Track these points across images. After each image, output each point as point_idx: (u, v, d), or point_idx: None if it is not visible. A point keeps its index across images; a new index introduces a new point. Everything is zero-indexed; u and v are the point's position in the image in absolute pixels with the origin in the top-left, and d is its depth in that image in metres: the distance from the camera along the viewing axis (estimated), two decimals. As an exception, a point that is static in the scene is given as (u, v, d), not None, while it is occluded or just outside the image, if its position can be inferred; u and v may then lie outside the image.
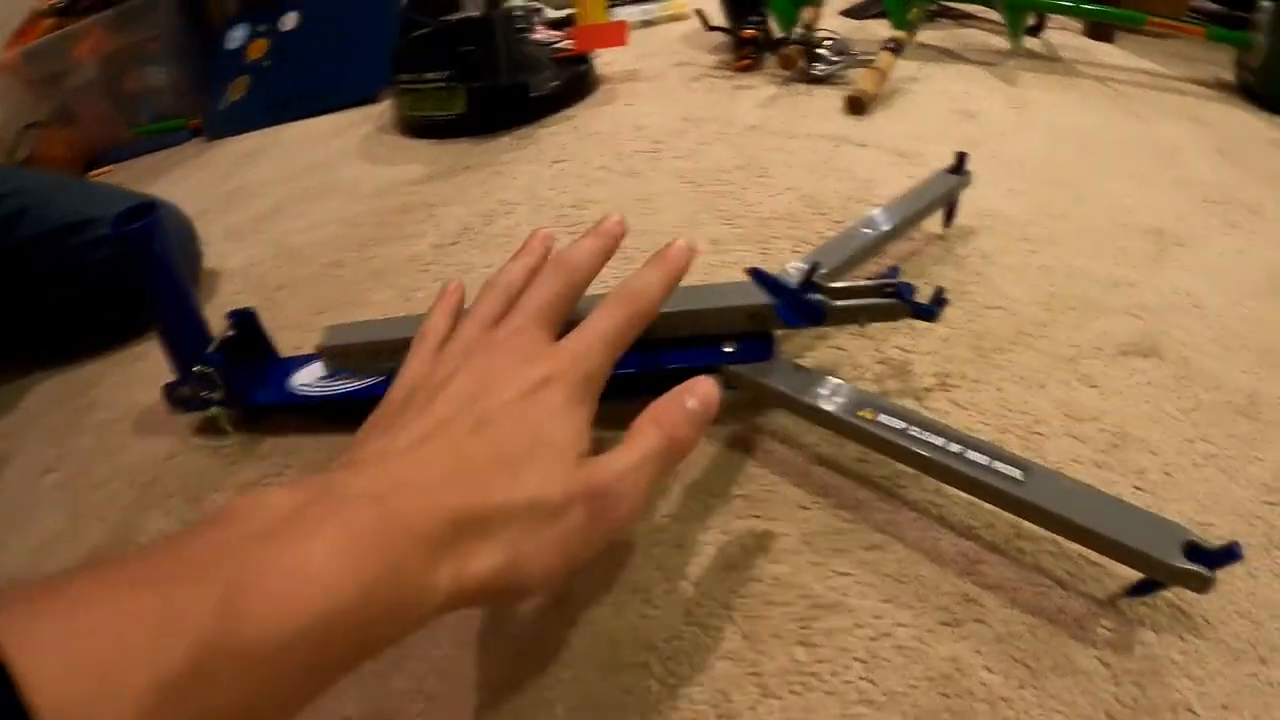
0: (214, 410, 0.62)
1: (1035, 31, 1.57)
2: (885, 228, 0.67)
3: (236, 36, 1.71)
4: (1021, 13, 1.41)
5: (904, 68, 1.25)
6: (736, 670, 0.41)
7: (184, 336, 0.61)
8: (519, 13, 1.22)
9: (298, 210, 1.05)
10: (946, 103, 1.13)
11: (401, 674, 0.43)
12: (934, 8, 1.62)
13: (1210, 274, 0.72)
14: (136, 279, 0.58)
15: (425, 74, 1.19)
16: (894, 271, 0.53)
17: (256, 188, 1.16)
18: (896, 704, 0.39)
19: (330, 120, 1.43)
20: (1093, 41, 1.59)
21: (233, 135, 1.50)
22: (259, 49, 1.66)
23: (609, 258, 0.47)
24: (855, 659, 0.41)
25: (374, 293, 0.81)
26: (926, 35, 1.49)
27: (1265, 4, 1.24)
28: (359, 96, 1.49)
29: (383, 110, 1.40)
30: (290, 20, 1.64)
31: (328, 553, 0.27)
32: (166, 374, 0.64)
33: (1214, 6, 1.88)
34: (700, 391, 0.39)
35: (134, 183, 1.32)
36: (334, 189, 1.09)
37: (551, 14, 1.76)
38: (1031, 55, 1.42)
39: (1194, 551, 0.39)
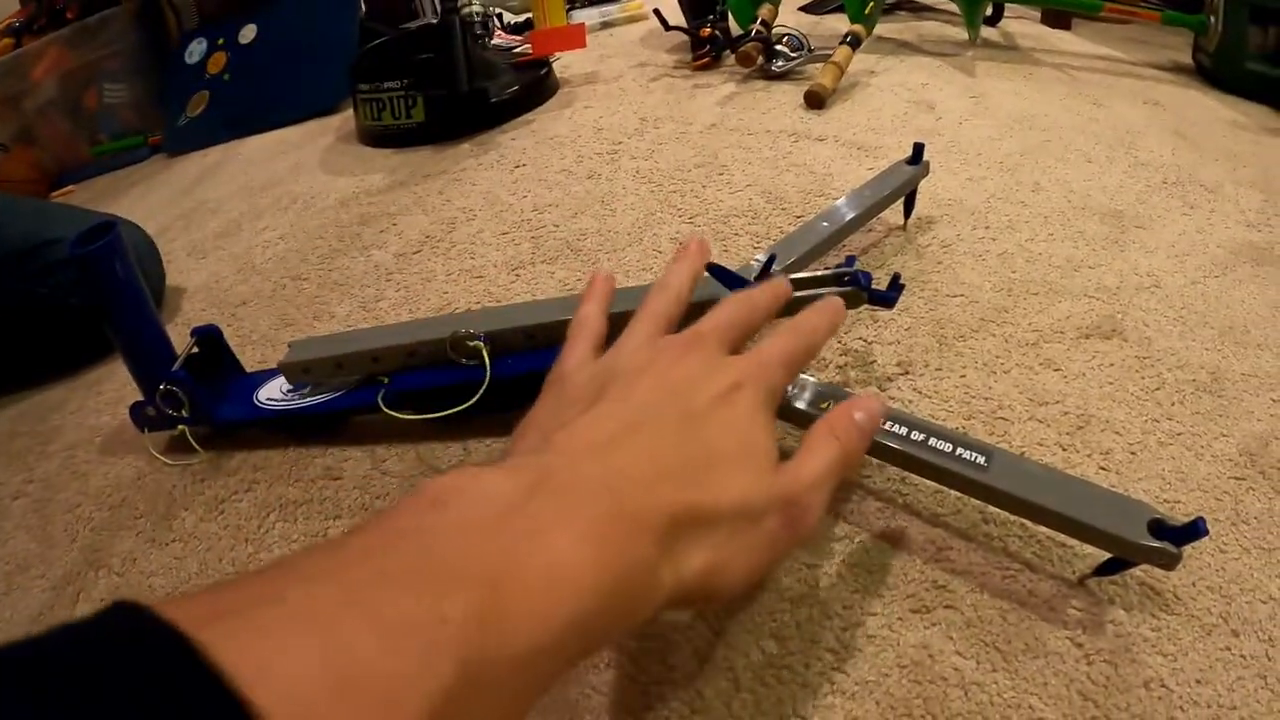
0: (180, 428, 0.61)
1: (993, 21, 1.58)
2: (844, 219, 0.67)
3: (195, 50, 1.69)
4: (978, 4, 1.42)
5: (862, 61, 1.26)
6: (708, 666, 0.41)
7: (148, 355, 0.60)
8: (477, 19, 1.22)
9: (259, 225, 1.03)
10: (904, 95, 1.14)
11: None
12: (891, 1, 1.63)
13: (1170, 254, 0.73)
14: (98, 299, 0.57)
15: (384, 83, 1.18)
16: (851, 260, 0.53)
17: (217, 204, 1.15)
18: (869, 693, 0.39)
19: (290, 132, 1.42)
20: (1050, 29, 1.61)
21: (193, 150, 1.48)
22: (218, 62, 1.64)
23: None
24: (826, 649, 0.41)
25: (337, 305, 0.80)
26: (885, 28, 1.50)
27: None
28: (319, 108, 1.48)
29: (343, 121, 1.39)
30: (249, 33, 1.62)
31: (574, 547, 0.26)
32: (130, 395, 0.63)
33: None
34: (867, 405, 0.38)
35: (95, 202, 1.30)
36: (295, 202, 1.08)
37: (510, 18, 1.76)
38: (989, 45, 1.43)
39: (1160, 529, 0.39)
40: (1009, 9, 1.57)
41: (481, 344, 0.54)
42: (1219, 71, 1.26)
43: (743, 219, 0.82)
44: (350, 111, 1.35)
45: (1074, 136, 0.99)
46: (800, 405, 0.48)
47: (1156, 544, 0.39)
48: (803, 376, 0.50)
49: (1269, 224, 0.79)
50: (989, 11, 1.54)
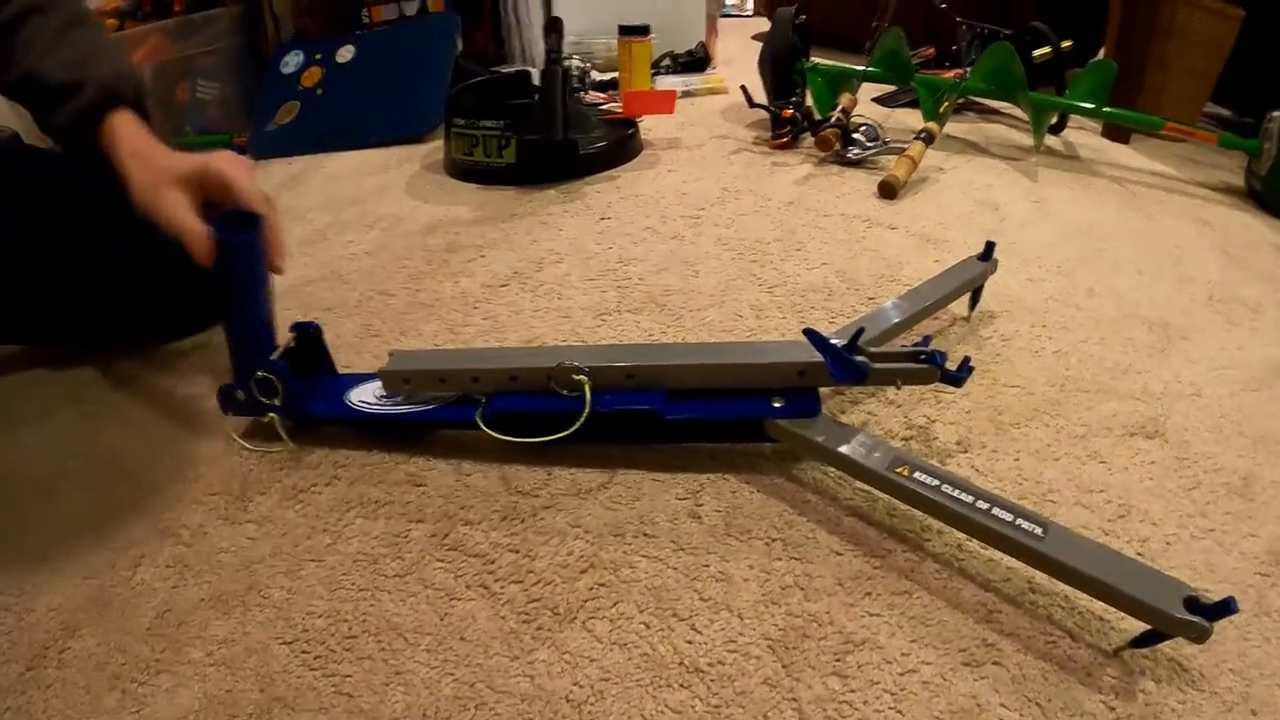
0: (270, 416, 0.65)
1: (1057, 130, 1.65)
2: (922, 304, 0.72)
3: (292, 61, 1.78)
4: (1045, 112, 1.49)
5: (932, 157, 1.32)
6: (775, 695, 0.45)
7: (255, 342, 0.65)
8: (576, 73, 1.29)
9: (345, 238, 1.09)
10: (971, 193, 1.20)
11: (452, 681, 0.46)
12: (961, 101, 1.70)
13: (1211, 366, 0.78)
14: (225, 281, 0.62)
15: (480, 121, 1.25)
16: (926, 340, 0.58)
17: (303, 212, 1.21)
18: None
19: (376, 154, 1.49)
20: (1109, 142, 1.68)
21: (278, 157, 1.55)
22: (313, 76, 1.73)
23: None
24: (885, 691, 0.45)
25: (423, 324, 0.85)
26: (954, 127, 1.56)
27: (1276, 114, 1.32)
28: (407, 135, 1.56)
29: (428, 151, 1.46)
30: (346, 53, 1.71)
31: None
32: (210, 375, 0.67)
33: (1226, 113, 1.98)
34: None
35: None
36: (381, 221, 1.14)
37: (597, 75, 1.84)
38: (1051, 153, 1.50)
39: (1194, 605, 0.44)
40: (1072, 119, 1.64)
41: (585, 378, 0.59)
42: (1270, 196, 1.33)
43: (819, 294, 0.88)
44: (435, 142, 1.42)
45: (1126, 248, 1.05)
46: (870, 464, 0.53)
47: (1191, 618, 0.43)
48: (875, 438, 0.55)
49: None
50: (1054, 120, 1.61)
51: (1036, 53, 1.71)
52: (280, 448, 0.67)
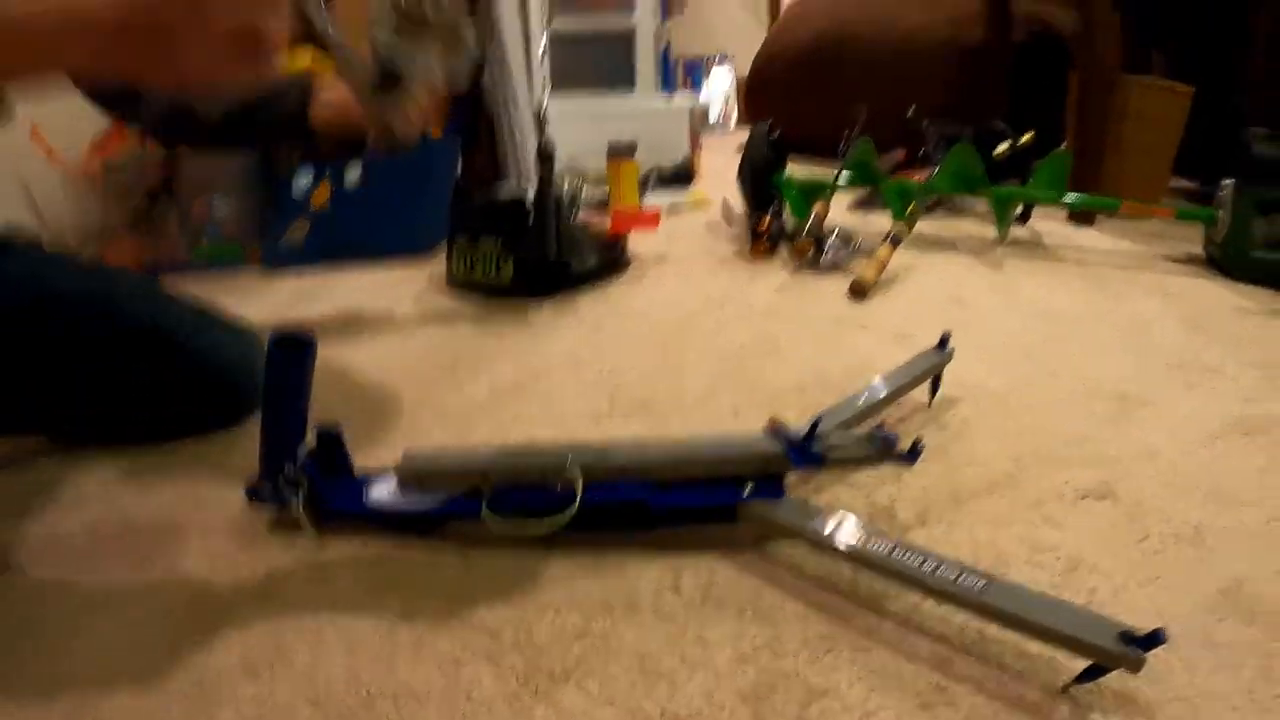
0: (296, 509, 0.72)
1: (1023, 220, 1.77)
2: (879, 395, 0.81)
3: (302, 181, 1.91)
4: (1007, 204, 1.61)
5: (903, 256, 1.43)
6: (742, 741, 0.52)
7: (285, 444, 0.73)
8: (568, 194, 1.41)
9: (357, 349, 1.19)
10: (939, 289, 1.30)
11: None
12: (932, 200, 1.82)
13: (1168, 428, 0.87)
14: (274, 388, 0.71)
15: (479, 240, 1.37)
16: (880, 427, 0.66)
17: (316, 322, 1.31)
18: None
19: (383, 271, 1.62)
20: (1075, 227, 1.81)
21: (288, 270, 1.66)
22: (322, 195, 1.85)
23: None
24: (840, 731, 0.51)
25: (432, 429, 0.94)
26: (926, 225, 1.69)
27: (1227, 183, 1.43)
28: (412, 251, 1.68)
29: (433, 266, 1.58)
30: (354, 173, 1.84)
31: None
32: (221, 472, 0.76)
33: (1192, 186, 2.10)
34: None
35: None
36: (391, 333, 1.24)
37: (590, 192, 1.98)
38: (1018, 242, 1.61)
39: (1127, 638, 0.51)
40: (1038, 208, 1.76)
41: (577, 474, 0.67)
42: (1227, 261, 1.44)
43: (793, 393, 0.97)
44: (438, 259, 1.53)
45: (1091, 327, 1.15)
46: (831, 535, 0.61)
47: (1124, 649, 0.50)
48: (836, 512, 0.63)
49: (1265, 398, 0.94)
50: (1019, 211, 1.73)
51: (997, 149, 1.85)
52: (308, 535, 0.73)
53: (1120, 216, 1.72)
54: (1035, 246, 1.62)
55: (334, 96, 1.18)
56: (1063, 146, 1.76)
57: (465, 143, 2.08)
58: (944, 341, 0.90)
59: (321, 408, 0.92)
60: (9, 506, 0.84)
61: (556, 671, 0.57)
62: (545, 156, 1.32)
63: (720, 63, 4.69)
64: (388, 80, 0.70)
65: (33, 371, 0.90)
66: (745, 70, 3.54)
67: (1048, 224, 1.79)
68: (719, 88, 4.64)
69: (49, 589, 0.71)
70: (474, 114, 2.33)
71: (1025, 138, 1.91)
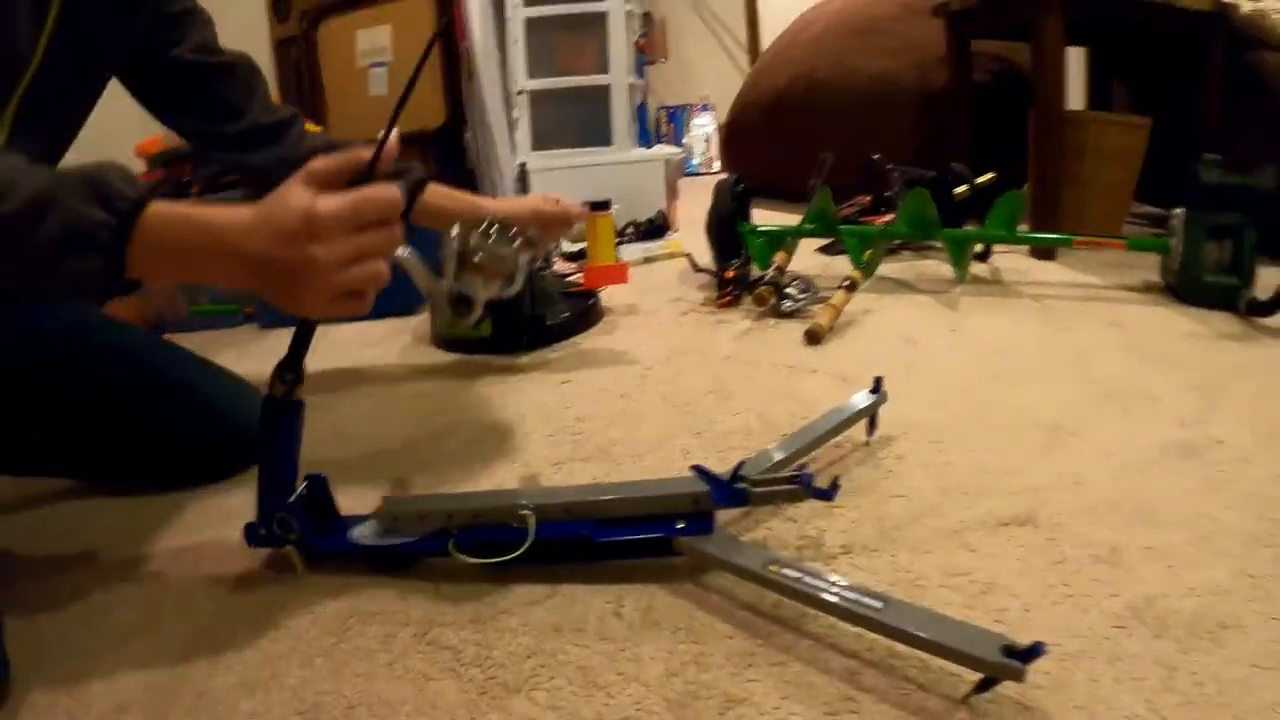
0: (288, 549, 0.82)
1: (984, 258, 1.86)
2: (812, 436, 0.90)
3: None
4: (964, 245, 1.70)
5: (862, 300, 1.53)
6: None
7: (280, 489, 0.82)
8: (544, 253, 1.52)
9: (347, 403, 1.29)
10: (892, 331, 1.40)
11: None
12: (894, 244, 1.92)
13: (1097, 456, 0.95)
14: (268, 438, 0.80)
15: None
16: (802, 468, 0.75)
17: (308, 379, 1.39)
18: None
19: (372, 326, 1.72)
20: (1037, 261, 1.90)
21: (283, 328, 1.75)
22: None
23: None
24: (756, 736, 0.60)
25: (412, 476, 1.03)
26: (889, 267, 1.79)
27: (1178, 212, 1.53)
28: (399, 309, 1.78)
29: (418, 323, 1.68)
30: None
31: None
32: (223, 517, 0.87)
33: (1159, 211, 2.20)
34: None
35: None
36: (378, 386, 1.34)
37: (566, 246, 2.08)
38: (979, 280, 1.71)
39: (1009, 651, 0.58)
40: (999, 245, 1.85)
41: (530, 513, 0.77)
42: (1181, 287, 1.52)
43: (739, 436, 1.06)
44: (422, 315, 1.64)
45: (1034, 361, 1.24)
46: (749, 565, 0.70)
47: (1006, 661, 0.57)
48: (756, 547, 0.72)
49: (1200, 423, 1.01)
50: (980, 250, 1.83)
51: (958, 190, 1.95)
52: (298, 574, 0.83)
53: (1080, 248, 1.81)
54: (994, 284, 1.72)
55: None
56: (1026, 185, 1.87)
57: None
58: (877, 385, 0.99)
59: (311, 456, 1.02)
60: (33, 546, 0.95)
61: (510, 684, 0.65)
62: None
63: (702, 109, 4.85)
64: (460, 302, 0.89)
65: (66, 418, 1.02)
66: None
67: (1010, 260, 1.89)
68: (700, 134, 4.79)
69: (68, 624, 0.80)
70: (457, 171, 2.46)
71: (984, 179, 2.02)
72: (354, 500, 0.91)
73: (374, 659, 0.70)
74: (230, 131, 1.13)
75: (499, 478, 1.01)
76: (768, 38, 4.17)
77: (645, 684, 0.65)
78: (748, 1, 4.85)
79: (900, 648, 0.65)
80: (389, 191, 0.72)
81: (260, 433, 0.81)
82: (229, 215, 0.71)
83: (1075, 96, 2.80)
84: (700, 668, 0.66)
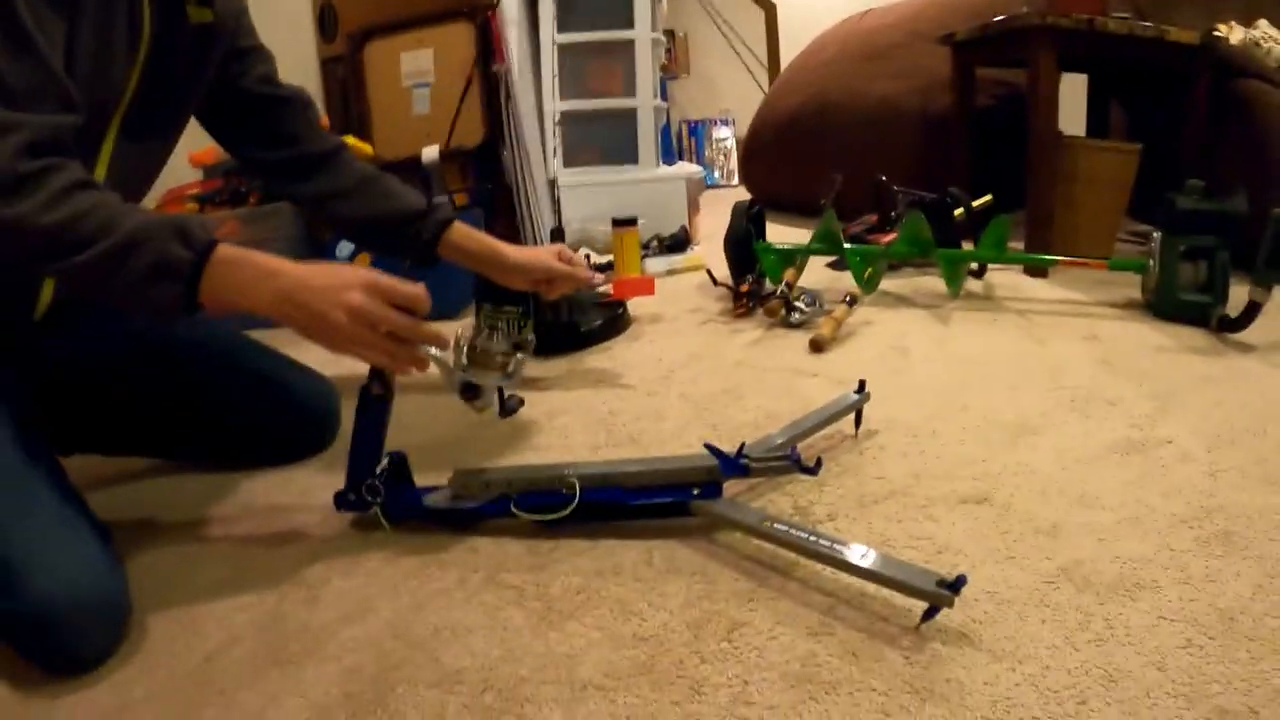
0: (375, 510, 1.02)
1: (979, 275, 2.04)
2: (803, 428, 1.10)
3: (344, 248, 2.23)
4: (958, 264, 1.88)
5: (865, 312, 1.73)
6: (688, 650, 0.79)
7: (368, 462, 1.02)
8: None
9: (404, 398, 1.42)
10: (887, 341, 1.59)
11: (499, 646, 0.81)
12: (894, 262, 2.11)
13: (1052, 451, 1.13)
14: (364, 421, 1.00)
15: (503, 306, 1.66)
16: (793, 449, 0.95)
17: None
18: (777, 669, 0.76)
19: (422, 334, 1.91)
20: (1030, 279, 2.07)
21: None
22: (363, 262, 2.16)
23: None
24: (753, 648, 0.79)
25: (471, 458, 1.24)
26: (890, 283, 1.98)
27: (1156, 235, 1.69)
28: (444, 314, 1.98)
29: (461, 327, 1.86)
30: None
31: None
32: (298, 493, 1.08)
33: (1149, 229, 2.34)
34: None
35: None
36: (432, 385, 1.53)
37: (596, 259, 2.28)
38: (971, 296, 1.88)
39: (941, 583, 0.77)
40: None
41: (575, 481, 0.97)
42: (1158, 304, 1.68)
43: (747, 429, 1.26)
44: (466, 319, 1.83)
45: (1009, 370, 1.42)
46: (749, 520, 0.89)
47: (939, 590, 0.76)
48: (754, 508, 0.91)
49: (1150, 425, 1.19)
50: (975, 268, 2.01)
51: (956, 212, 2.13)
52: (385, 530, 1.03)
53: (1068, 268, 1.97)
54: (985, 299, 1.90)
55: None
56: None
57: (486, 213, 2.40)
58: (861, 386, 1.19)
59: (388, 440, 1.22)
60: (128, 514, 1.15)
61: (565, 611, 0.86)
62: (556, 237, 1.63)
63: (723, 122, 5.04)
64: (468, 389, 1.06)
65: (155, 405, 1.22)
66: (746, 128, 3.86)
67: (1005, 277, 2.08)
68: (721, 147, 4.98)
69: (177, 577, 0.99)
70: (494, 187, 2.66)
71: (980, 201, 2.20)
72: (421, 478, 1.10)
73: (451, 595, 0.90)
74: (284, 158, 1.28)
75: (546, 458, 1.22)
76: (787, 50, 4.36)
77: (669, 611, 0.85)
78: (767, 18, 5.05)
79: (869, 588, 0.84)
80: (420, 289, 0.95)
81: (356, 419, 1.01)
82: (283, 260, 0.92)
83: (1077, 119, 2.96)
84: (712, 601, 0.86)
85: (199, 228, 0.88)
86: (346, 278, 0.91)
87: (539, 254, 1.42)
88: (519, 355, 1.07)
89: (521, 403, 1.10)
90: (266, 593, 0.94)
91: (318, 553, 1.02)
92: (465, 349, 1.05)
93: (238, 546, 1.06)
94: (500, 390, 1.11)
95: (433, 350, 0.99)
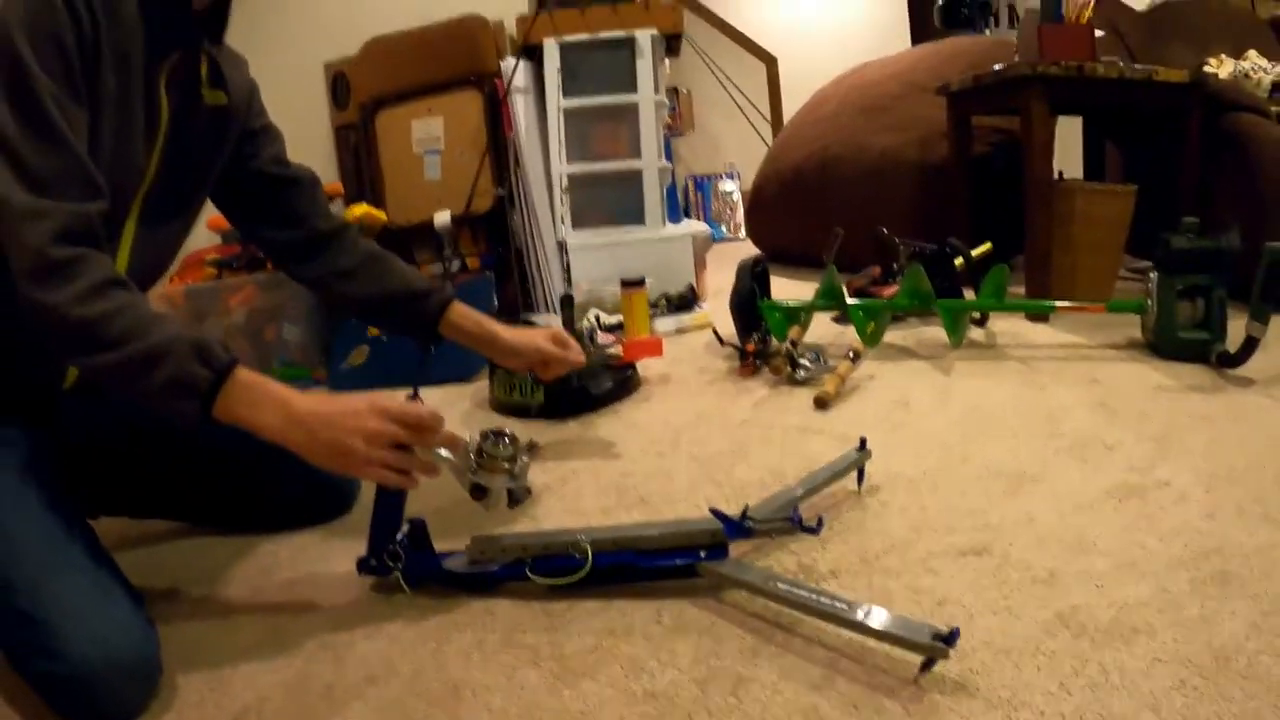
0: (396, 574, 1.08)
1: (981, 323, 2.10)
2: (809, 487, 1.15)
3: None
4: (958, 315, 1.94)
5: (869, 366, 1.78)
6: (694, 705, 0.84)
7: (389, 529, 1.08)
8: (586, 332, 1.79)
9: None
10: (889, 395, 1.65)
11: (517, 705, 0.86)
12: (898, 315, 2.17)
13: (1052, 498, 1.17)
14: (384, 493, 1.06)
15: (514, 371, 1.74)
16: (795, 510, 1.01)
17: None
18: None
19: (433, 393, 1.99)
20: (1031, 324, 2.12)
21: (351, 390, 2.00)
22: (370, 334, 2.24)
23: None
24: (757, 701, 0.84)
25: (487, 523, 1.27)
26: (894, 335, 2.04)
27: (1153, 275, 1.73)
28: (459, 376, 2.05)
29: (476, 389, 1.95)
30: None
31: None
32: (329, 553, 1.15)
33: (1148, 264, 2.38)
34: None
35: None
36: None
37: (606, 320, 2.35)
38: (974, 345, 1.93)
39: (936, 635, 0.81)
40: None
41: (588, 546, 1.03)
42: (1159, 343, 1.72)
43: (753, 487, 1.32)
44: (480, 382, 1.90)
45: (1010, 419, 1.47)
46: (754, 581, 0.95)
47: (934, 643, 0.81)
48: (759, 568, 0.97)
49: (1149, 468, 1.23)
50: (977, 316, 2.06)
51: (957, 262, 2.20)
52: (405, 594, 1.08)
53: (1067, 312, 2.02)
54: (987, 348, 1.96)
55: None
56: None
57: (498, 275, 2.48)
58: (863, 444, 1.24)
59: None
60: (154, 578, 1.20)
61: (578, 670, 0.91)
62: (566, 305, 1.70)
63: (728, 176, 5.15)
64: (478, 489, 1.11)
65: (187, 473, 1.28)
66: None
67: (1007, 324, 2.14)
68: (726, 201, 5.09)
69: (205, 640, 1.05)
70: (505, 250, 2.75)
71: (980, 250, 2.26)
72: (439, 544, 1.14)
73: (469, 656, 0.95)
74: (292, 238, 1.33)
75: (560, 523, 1.27)
76: (789, 102, 4.47)
77: (679, 668, 0.89)
78: (769, 72, 5.18)
79: (870, 642, 0.89)
80: (428, 410, 1.03)
81: (378, 489, 1.07)
82: (295, 390, 1.01)
83: (1074, 159, 3.04)
84: (719, 657, 0.90)
85: (219, 347, 0.96)
86: (357, 405, 0.99)
87: (533, 338, 1.46)
88: (524, 459, 1.13)
89: (529, 492, 1.15)
90: (293, 654, 0.99)
91: (341, 615, 1.07)
92: (474, 454, 1.11)
93: (264, 609, 1.12)
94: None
95: (443, 453, 1.06)
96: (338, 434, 0.97)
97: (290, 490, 1.32)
